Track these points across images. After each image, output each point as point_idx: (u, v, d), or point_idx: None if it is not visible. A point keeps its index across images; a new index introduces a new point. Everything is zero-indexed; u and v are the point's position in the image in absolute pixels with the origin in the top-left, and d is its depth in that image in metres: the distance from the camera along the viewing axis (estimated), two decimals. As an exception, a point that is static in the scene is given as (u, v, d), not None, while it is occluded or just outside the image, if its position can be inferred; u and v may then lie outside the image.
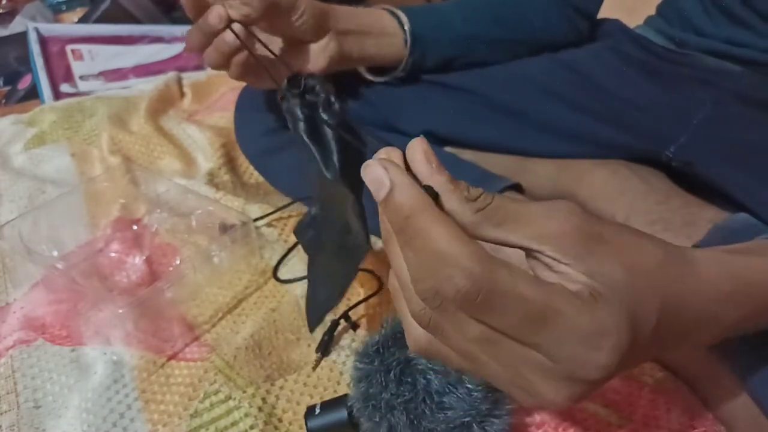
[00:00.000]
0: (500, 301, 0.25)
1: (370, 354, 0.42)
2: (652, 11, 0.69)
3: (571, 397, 0.27)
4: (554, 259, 0.27)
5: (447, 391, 0.39)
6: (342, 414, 0.44)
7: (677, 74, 0.61)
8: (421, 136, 0.29)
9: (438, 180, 0.27)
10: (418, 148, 0.28)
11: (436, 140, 0.69)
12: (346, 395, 0.45)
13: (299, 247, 0.68)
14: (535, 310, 0.25)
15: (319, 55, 0.57)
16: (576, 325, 0.25)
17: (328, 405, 0.45)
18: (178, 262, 0.66)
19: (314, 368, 0.54)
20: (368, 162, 0.27)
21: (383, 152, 0.29)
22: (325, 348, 0.55)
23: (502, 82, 0.68)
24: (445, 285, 0.25)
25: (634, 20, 0.71)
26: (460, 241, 0.25)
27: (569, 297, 0.25)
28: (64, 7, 1.54)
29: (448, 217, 0.26)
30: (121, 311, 0.53)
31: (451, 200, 0.27)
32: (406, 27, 0.62)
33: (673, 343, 0.30)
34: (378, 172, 0.27)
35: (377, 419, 0.40)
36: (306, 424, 0.45)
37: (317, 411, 0.45)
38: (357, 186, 0.43)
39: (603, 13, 0.73)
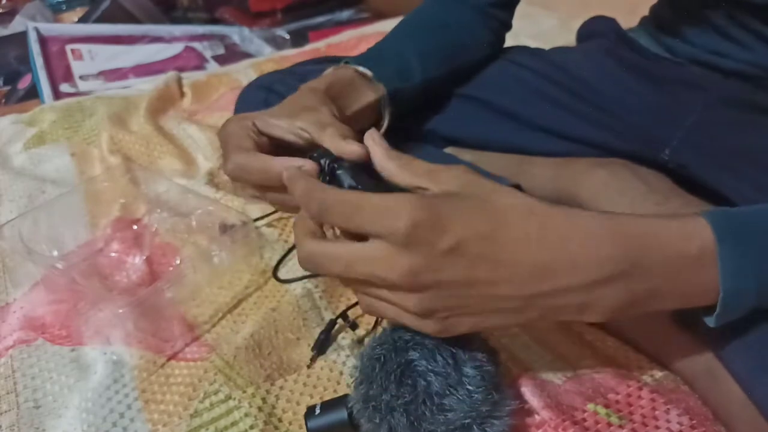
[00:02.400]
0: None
1: (371, 355, 0.42)
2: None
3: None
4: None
5: (447, 392, 0.39)
6: (342, 414, 0.44)
7: (669, 78, 0.61)
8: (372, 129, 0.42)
9: (380, 152, 0.40)
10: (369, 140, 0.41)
11: (436, 140, 0.69)
12: (346, 396, 0.45)
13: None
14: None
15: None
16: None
17: (328, 405, 0.45)
18: (178, 262, 0.66)
19: (309, 366, 0.54)
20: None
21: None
22: (321, 346, 0.55)
23: (497, 85, 0.68)
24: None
25: (634, 20, 0.71)
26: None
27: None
28: (64, 7, 1.55)
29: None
30: (121, 311, 0.53)
31: (389, 166, 0.40)
32: (383, 94, 0.59)
33: (529, 281, 0.36)
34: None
35: (377, 420, 0.40)
36: (306, 424, 0.45)
37: (317, 411, 0.45)
38: None
39: (603, 12, 0.73)
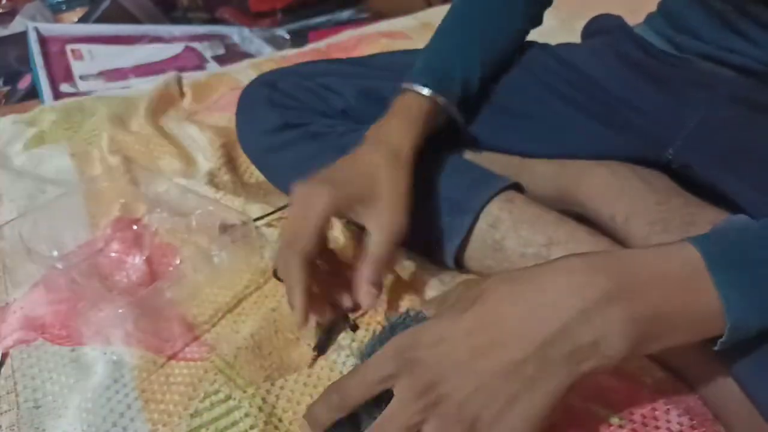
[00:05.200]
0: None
1: (371, 354, 0.42)
2: (655, 9, 0.69)
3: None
4: None
5: (447, 391, 0.39)
6: (342, 414, 0.44)
7: (675, 76, 0.61)
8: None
9: None
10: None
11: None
12: (346, 395, 0.45)
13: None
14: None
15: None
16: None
17: (328, 405, 0.45)
18: (178, 262, 0.66)
19: (310, 366, 0.54)
20: None
21: None
22: (322, 347, 0.55)
23: (503, 81, 0.68)
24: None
25: (637, 18, 0.71)
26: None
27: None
28: (64, 7, 1.55)
29: None
30: (121, 311, 0.54)
31: None
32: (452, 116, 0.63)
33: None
34: None
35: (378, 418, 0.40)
36: (306, 424, 0.45)
37: (317, 411, 0.45)
38: None
39: (606, 10, 0.73)
